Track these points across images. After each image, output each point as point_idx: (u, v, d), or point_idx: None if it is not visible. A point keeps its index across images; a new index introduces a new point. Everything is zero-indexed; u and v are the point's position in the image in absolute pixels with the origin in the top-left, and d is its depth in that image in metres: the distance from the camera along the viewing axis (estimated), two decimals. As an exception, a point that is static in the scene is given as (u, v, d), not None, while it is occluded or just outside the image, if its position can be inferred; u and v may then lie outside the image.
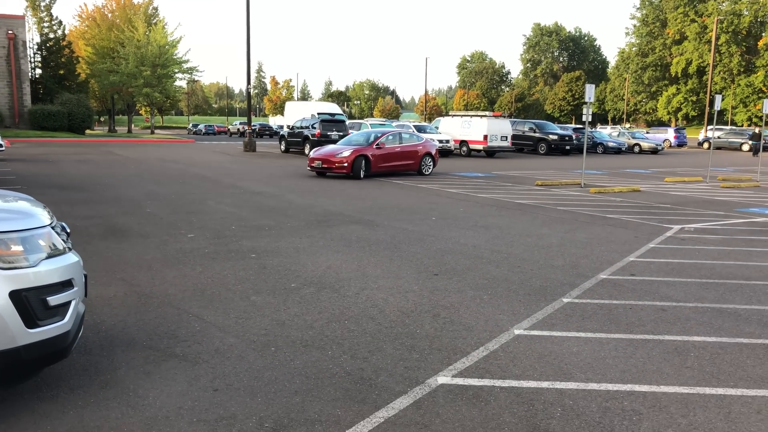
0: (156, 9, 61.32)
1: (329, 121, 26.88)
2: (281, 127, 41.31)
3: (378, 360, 4.28)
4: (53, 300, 3.32)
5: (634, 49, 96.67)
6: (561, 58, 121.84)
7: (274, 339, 4.63)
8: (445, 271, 6.79)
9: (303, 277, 6.39)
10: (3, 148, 21.95)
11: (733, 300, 5.95)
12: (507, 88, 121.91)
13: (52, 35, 51.64)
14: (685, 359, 4.43)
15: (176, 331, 4.75)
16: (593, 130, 40.84)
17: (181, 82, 61.79)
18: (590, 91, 16.21)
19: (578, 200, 13.58)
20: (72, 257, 3.59)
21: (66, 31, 53.89)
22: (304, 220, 10.05)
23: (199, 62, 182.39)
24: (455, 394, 3.77)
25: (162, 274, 6.39)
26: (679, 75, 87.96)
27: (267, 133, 58.24)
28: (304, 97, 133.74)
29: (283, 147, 30.08)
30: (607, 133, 41.49)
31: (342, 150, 17.49)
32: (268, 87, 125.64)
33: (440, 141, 27.66)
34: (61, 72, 51.37)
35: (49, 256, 3.39)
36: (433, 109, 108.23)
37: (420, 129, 28.92)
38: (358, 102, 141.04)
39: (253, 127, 36.07)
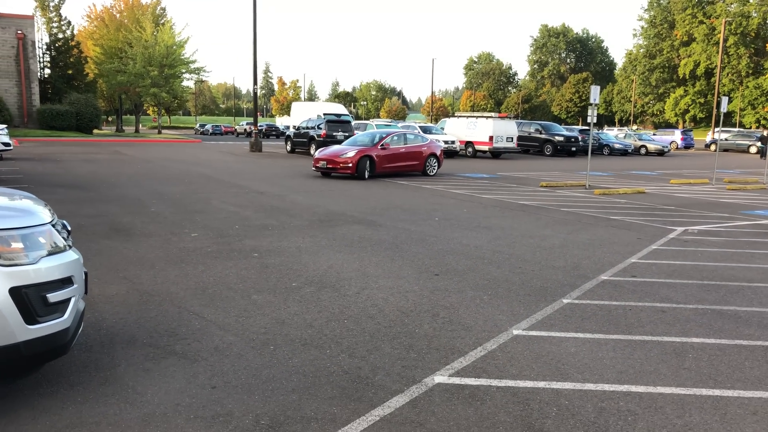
0: (164, 9, 61.63)
1: (335, 122, 26.95)
2: (288, 127, 41.46)
3: (376, 359, 4.30)
4: (53, 297, 3.36)
5: (641, 50, 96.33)
6: (568, 60, 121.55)
7: (273, 337, 4.66)
8: (446, 272, 6.81)
9: (304, 277, 6.42)
10: (11, 148, 22.11)
11: (734, 302, 5.94)
12: (514, 90, 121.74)
13: (60, 35, 51.93)
14: (683, 360, 4.43)
15: (176, 329, 4.79)
16: (599, 131, 40.70)
17: (188, 82, 61.91)
18: (595, 93, 16.19)
19: (582, 202, 13.56)
20: (72, 255, 3.63)
21: (75, 32, 54.18)
22: (308, 220, 10.09)
23: (207, 62, 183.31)
24: (451, 393, 3.79)
25: (164, 273, 6.44)
26: (687, 77, 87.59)
27: (273, 133, 58.39)
28: (311, 97, 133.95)
29: (289, 147, 30.17)
30: (613, 134, 41.35)
31: (347, 150, 17.53)
32: (275, 87, 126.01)
33: (445, 142, 27.67)
34: (70, 72, 51.66)
35: (50, 254, 3.43)
36: (440, 110, 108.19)
37: (425, 130, 28.93)
38: (365, 103, 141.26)
39: (259, 128, 36.25)
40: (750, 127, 75.47)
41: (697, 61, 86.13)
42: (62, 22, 52.58)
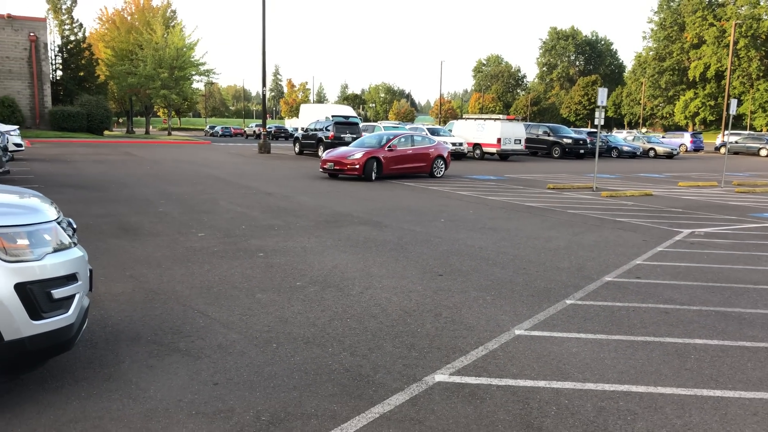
0: (174, 12, 61.97)
1: (343, 124, 27.02)
2: (296, 129, 41.58)
3: (377, 357, 4.33)
4: (57, 293, 3.41)
5: (651, 53, 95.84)
6: (577, 62, 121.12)
7: (276, 336, 4.70)
8: (450, 272, 6.82)
9: (309, 276, 6.46)
10: (23, 148, 22.35)
11: (738, 303, 5.92)
12: (523, 92, 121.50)
13: (72, 38, 52.39)
14: (684, 361, 4.43)
15: (181, 326, 4.84)
16: (608, 134, 40.58)
17: (198, 84, 62.33)
18: (603, 95, 16.15)
19: (589, 204, 13.54)
20: (77, 252, 3.68)
21: (86, 34, 54.63)
22: (314, 220, 10.13)
23: (217, 65, 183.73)
24: (451, 392, 3.81)
25: (170, 272, 6.50)
26: (697, 79, 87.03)
27: (282, 135, 58.62)
28: (320, 99, 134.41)
29: (297, 149, 30.27)
30: (622, 137, 41.23)
31: (354, 152, 17.58)
32: (285, 90, 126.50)
33: (453, 144, 27.69)
34: (81, 74, 52.11)
35: (55, 251, 3.48)
36: (448, 112, 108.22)
37: (433, 132, 28.94)
38: (374, 105, 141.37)
39: (268, 130, 36.37)
40: (761, 130, 74.91)
41: (707, 63, 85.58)
42: (74, 25, 53.05)
